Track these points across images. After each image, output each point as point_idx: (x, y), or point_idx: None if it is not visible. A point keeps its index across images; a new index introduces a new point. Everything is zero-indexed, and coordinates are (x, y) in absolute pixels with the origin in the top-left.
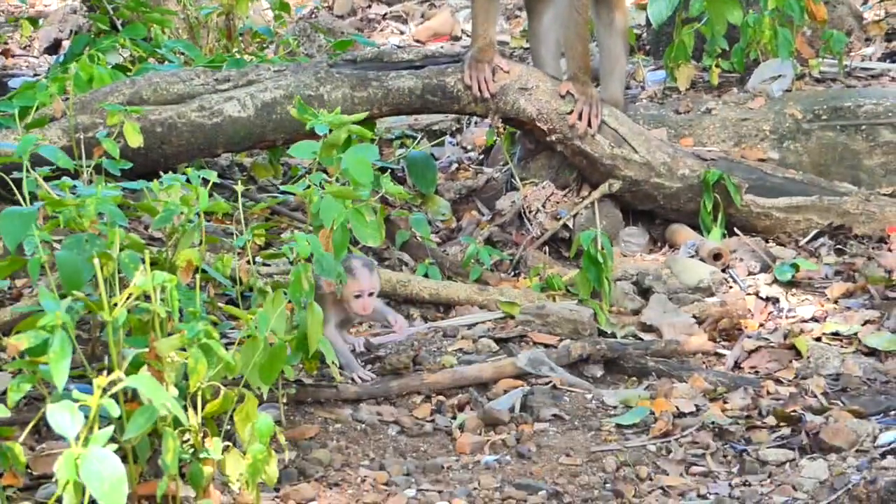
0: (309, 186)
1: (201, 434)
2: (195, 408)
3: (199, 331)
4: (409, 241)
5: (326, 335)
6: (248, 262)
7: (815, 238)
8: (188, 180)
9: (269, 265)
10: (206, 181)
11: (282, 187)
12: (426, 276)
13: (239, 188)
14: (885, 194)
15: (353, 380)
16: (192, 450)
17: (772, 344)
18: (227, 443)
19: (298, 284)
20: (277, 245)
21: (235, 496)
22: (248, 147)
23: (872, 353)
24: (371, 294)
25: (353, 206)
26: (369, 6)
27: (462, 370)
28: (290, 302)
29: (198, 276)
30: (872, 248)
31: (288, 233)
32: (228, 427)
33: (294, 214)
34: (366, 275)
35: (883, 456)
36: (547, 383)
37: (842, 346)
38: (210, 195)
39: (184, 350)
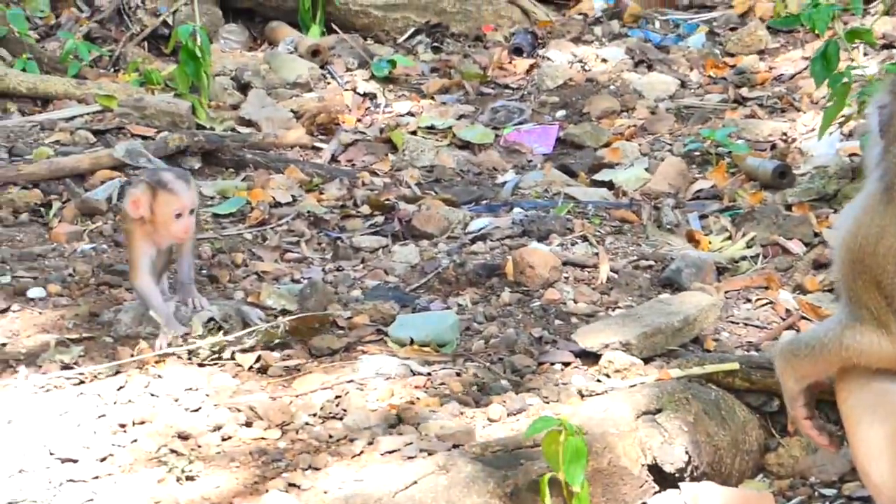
0: None
1: None
2: None
3: None
4: (7, 36)
5: (138, 285)
6: None
7: (412, 36)
8: None
9: None
10: None
11: None
12: (24, 70)
13: None
14: None
15: (169, 343)
16: None
17: (368, 138)
18: None
19: None
20: None
21: None
22: None
23: (466, 146)
24: (192, 212)
25: None
26: None
27: (59, 161)
28: None
29: None
30: (469, 47)
31: None
32: None
33: None
34: (183, 188)
35: (472, 241)
36: None
37: (437, 140)
38: None
39: None
